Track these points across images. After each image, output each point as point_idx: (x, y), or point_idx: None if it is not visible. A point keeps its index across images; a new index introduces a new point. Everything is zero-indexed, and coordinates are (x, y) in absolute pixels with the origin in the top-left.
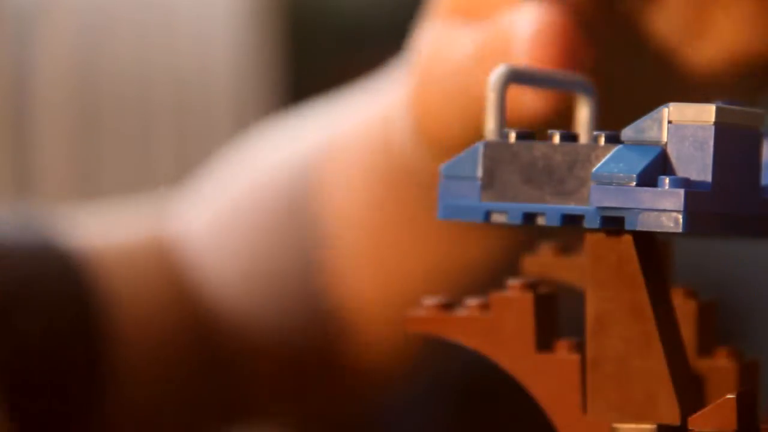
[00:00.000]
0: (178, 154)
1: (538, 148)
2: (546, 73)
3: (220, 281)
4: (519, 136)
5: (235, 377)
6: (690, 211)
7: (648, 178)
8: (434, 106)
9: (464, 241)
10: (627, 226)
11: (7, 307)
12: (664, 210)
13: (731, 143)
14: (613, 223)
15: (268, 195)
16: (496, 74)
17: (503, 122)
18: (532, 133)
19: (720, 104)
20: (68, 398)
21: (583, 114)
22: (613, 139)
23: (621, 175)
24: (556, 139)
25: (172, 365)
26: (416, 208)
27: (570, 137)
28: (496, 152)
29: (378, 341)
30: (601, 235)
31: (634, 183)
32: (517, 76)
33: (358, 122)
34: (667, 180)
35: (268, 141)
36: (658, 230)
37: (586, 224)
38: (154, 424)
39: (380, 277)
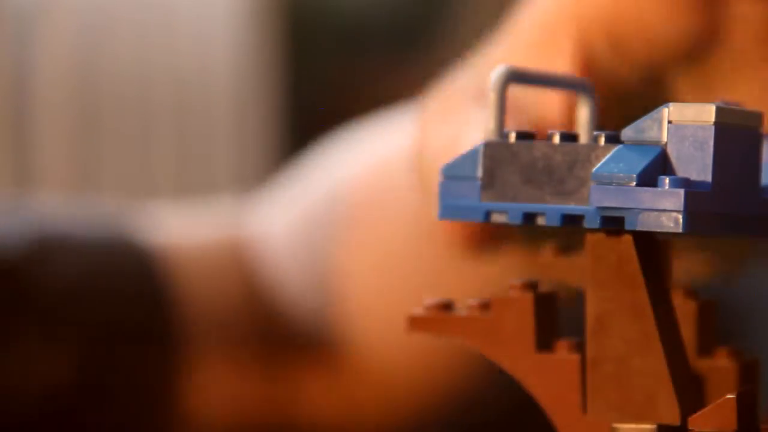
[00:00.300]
0: (178, 154)
1: (538, 148)
2: (546, 73)
3: (290, 288)
4: (519, 136)
5: (295, 382)
6: (690, 211)
7: (648, 178)
8: (431, 173)
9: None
10: (627, 226)
11: (81, 298)
12: (664, 210)
13: (731, 143)
14: (613, 223)
15: (317, 215)
16: (496, 74)
17: (503, 122)
18: (531, 133)
19: (720, 104)
20: (137, 393)
21: (583, 114)
22: (613, 139)
23: (621, 175)
24: (556, 139)
25: (241, 364)
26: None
27: (570, 137)
28: (496, 152)
29: (397, 376)
30: (601, 235)
31: (634, 183)
32: (516, 77)
33: (382, 157)
34: (667, 180)
35: (337, 153)
36: (658, 230)
37: (586, 224)
38: (222, 420)
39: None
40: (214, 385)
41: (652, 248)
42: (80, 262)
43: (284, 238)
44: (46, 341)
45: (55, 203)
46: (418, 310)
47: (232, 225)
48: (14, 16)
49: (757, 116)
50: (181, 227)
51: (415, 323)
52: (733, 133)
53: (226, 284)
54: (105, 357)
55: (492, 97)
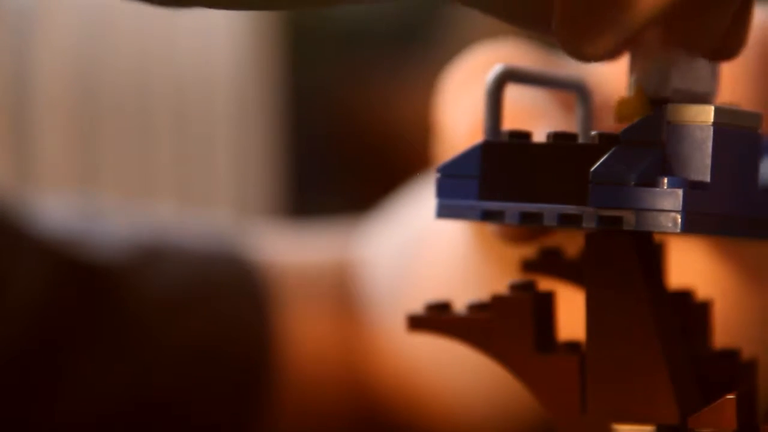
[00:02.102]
0: (177, 152)
1: (536, 147)
2: (541, 72)
3: (387, 318)
4: (516, 136)
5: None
6: (689, 210)
7: (646, 178)
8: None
9: None
10: (625, 226)
11: (179, 309)
12: (662, 210)
13: (729, 144)
14: (611, 223)
15: (408, 248)
16: (492, 74)
17: (500, 122)
18: (528, 133)
19: (718, 105)
20: (229, 403)
21: (580, 114)
22: (612, 139)
23: (619, 174)
24: (554, 139)
25: (327, 387)
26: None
27: (568, 137)
28: (494, 152)
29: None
30: (601, 235)
31: (633, 183)
32: (513, 76)
33: None
34: (665, 180)
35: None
36: (657, 230)
37: (584, 224)
38: None
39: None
40: (298, 412)
41: (650, 248)
42: (182, 274)
43: (382, 266)
44: (139, 350)
45: (165, 212)
46: (419, 311)
47: (337, 248)
48: (14, 16)
49: (756, 117)
50: (286, 247)
51: (416, 323)
52: (731, 134)
53: (325, 306)
54: (196, 364)
55: (488, 97)
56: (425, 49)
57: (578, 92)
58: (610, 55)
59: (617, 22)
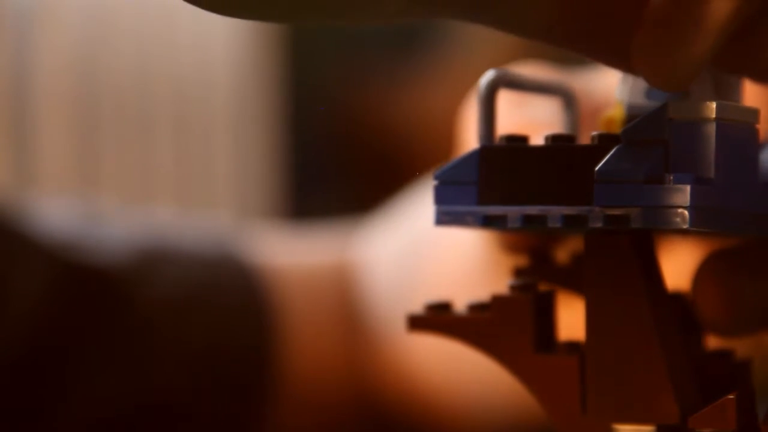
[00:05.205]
0: (177, 154)
1: (535, 150)
2: (532, 78)
3: (390, 321)
4: (512, 140)
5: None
6: (696, 206)
7: (652, 175)
8: None
9: None
10: (633, 224)
11: (182, 312)
12: (670, 206)
13: (731, 139)
14: (617, 222)
15: (412, 250)
16: (485, 79)
17: (494, 128)
18: (525, 137)
19: (720, 101)
20: (231, 405)
21: (566, 119)
22: (612, 139)
23: (626, 173)
24: (553, 140)
25: (329, 389)
26: None
27: (566, 139)
28: (492, 156)
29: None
30: (601, 235)
31: (641, 180)
32: (505, 81)
33: None
34: (671, 176)
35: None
36: (665, 227)
37: (589, 224)
38: None
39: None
40: (300, 414)
41: (649, 248)
42: (185, 277)
43: (384, 267)
44: (140, 352)
45: (165, 214)
46: (420, 311)
47: (338, 250)
48: (15, 17)
49: (754, 112)
50: (288, 249)
51: (416, 323)
52: (732, 129)
53: (327, 308)
54: (197, 373)
55: (482, 102)
56: (425, 50)
57: (564, 98)
58: (689, 82)
59: (690, 53)
